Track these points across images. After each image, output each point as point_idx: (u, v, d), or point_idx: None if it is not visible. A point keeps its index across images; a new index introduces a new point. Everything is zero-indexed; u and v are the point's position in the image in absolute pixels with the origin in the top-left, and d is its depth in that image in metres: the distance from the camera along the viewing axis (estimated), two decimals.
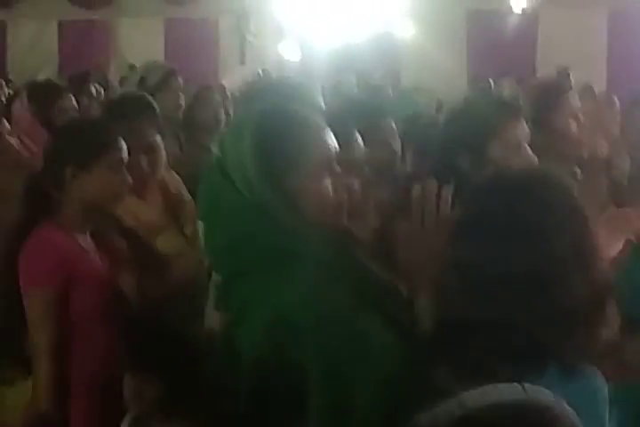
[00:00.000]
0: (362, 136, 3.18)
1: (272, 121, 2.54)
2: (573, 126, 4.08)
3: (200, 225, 2.99)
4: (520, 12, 12.98)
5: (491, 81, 10.62)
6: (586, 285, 2.05)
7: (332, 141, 2.54)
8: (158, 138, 4.30)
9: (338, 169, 2.54)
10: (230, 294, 2.45)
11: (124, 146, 3.73)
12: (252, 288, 2.31)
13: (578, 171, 3.99)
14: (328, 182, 2.49)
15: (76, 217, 3.52)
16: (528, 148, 3.62)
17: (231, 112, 6.34)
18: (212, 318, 3.25)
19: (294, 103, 2.85)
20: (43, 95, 5.62)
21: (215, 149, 3.24)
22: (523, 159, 3.43)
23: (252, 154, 2.45)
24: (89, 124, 4.11)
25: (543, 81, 6.66)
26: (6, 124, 5.66)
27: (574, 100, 4.32)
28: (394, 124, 3.92)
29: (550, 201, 2.21)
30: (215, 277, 2.81)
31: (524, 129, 3.46)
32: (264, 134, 2.47)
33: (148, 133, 4.28)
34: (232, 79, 7.96)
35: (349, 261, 2.62)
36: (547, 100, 4.26)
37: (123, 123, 4.11)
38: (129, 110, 4.40)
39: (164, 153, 4.27)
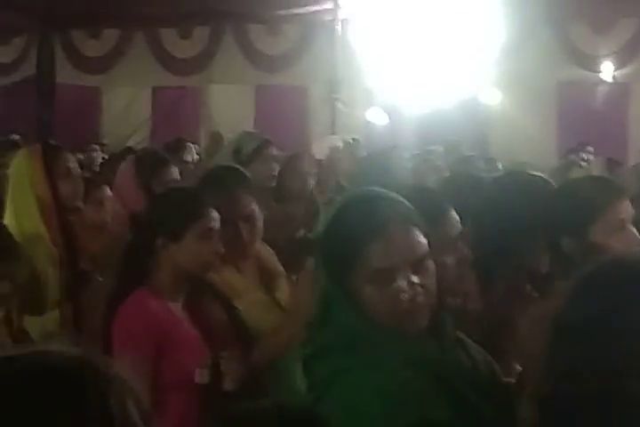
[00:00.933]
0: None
1: (347, 213, 2.54)
2: None
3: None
4: (611, 82, 12.72)
5: (583, 155, 10.15)
6: None
7: (414, 240, 2.48)
8: (256, 207, 4.28)
9: (412, 278, 2.45)
10: (314, 371, 2.41)
11: (216, 215, 3.77)
12: (334, 368, 2.31)
13: None
14: (401, 284, 2.43)
15: (168, 285, 3.56)
16: (634, 229, 3.47)
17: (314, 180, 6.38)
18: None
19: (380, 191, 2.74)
20: (149, 165, 5.61)
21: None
22: (627, 241, 3.27)
23: (320, 244, 2.56)
24: (181, 194, 4.15)
25: None
26: (108, 191, 5.67)
27: None
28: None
29: None
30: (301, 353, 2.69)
31: (628, 209, 3.28)
32: (331, 227, 2.54)
33: (246, 203, 4.26)
34: (321, 147, 7.99)
35: (429, 354, 2.55)
36: None
37: (220, 193, 4.14)
38: (226, 181, 4.38)
39: (261, 223, 4.25)
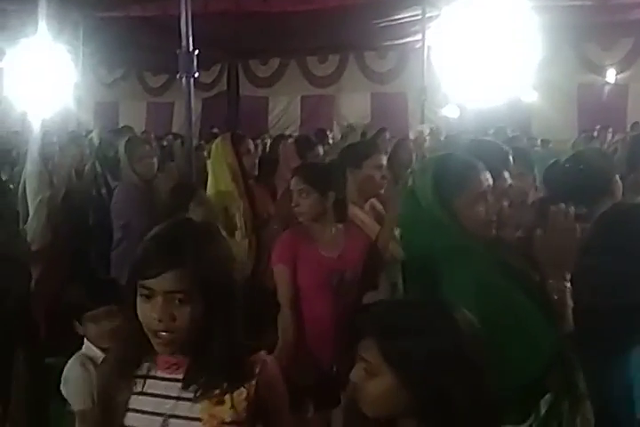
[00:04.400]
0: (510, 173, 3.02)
1: (444, 164, 2.51)
2: None
3: (400, 230, 2.78)
4: (614, 83, 12.56)
5: (595, 133, 9.91)
6: None
7: (487, 179, 2.47)
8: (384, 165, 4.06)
9: (490, 199, 2.45)
10: (421, 273, 2.31)
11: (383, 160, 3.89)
12: (439, 270, 2.20)
13: None
14: (483, 206, 2.41)
15: (315, 225, 3.37)
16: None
17: (416, 154, 6.43)
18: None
19: (461, 154, 2.73)
20: (304, 144, 5.65)
21: (409, 182, 2.96)
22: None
23: (430, 186, 2.44)
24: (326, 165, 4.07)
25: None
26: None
27: None
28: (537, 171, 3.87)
29: None
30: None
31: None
32: (439, 173, 2.45)
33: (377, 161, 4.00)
34: (416, 132, 8.13)
35: (499, 257, 2.46)
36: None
37: (353, 162, 3.93)
38: (360, 152, 4.07)
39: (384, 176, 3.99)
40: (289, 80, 14.70)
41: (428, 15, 8.58)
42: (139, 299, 1.67)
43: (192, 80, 4.62)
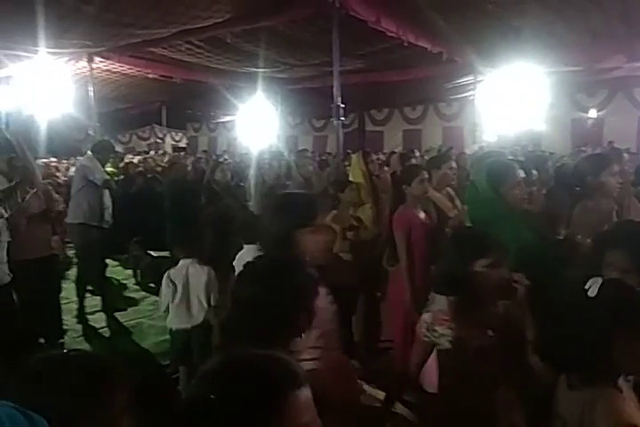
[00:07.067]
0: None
1: (492, 165, 2.40)
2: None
3: (466, 205, 2.70)
4: (595, 117, 11.77)
5: (583, 148, 9.48)
6: None
7: (521, 173, 2.34)
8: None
9: (523, 185, 2.34)
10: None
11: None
12: (491, 231, 1.89)
13: None
14: (518, 190, 2.30)
15: (415, 203, 3.16)
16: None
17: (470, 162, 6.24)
18: None
19: (504, 158, 2.78)
20: (404, 157, 5.71)
21: (470, 177, 3.09)
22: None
23: (485, 179, 2.33)
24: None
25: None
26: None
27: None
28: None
29: None
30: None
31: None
32: (489, 170, 2.36)
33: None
34: (470, 149, 7.99)
35: (528, 222, 2.30)
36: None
37: (436, 165, 3.72)
38: (440, 160, 3.88)
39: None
40: (395, 121, 14.48)
41: (478, 79, 8.44)
42: None
43: (340, 122, 4.80)
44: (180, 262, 3.21)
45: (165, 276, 3.20)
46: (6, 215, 3.25)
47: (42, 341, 3.47)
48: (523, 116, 7.59)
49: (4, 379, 0.91)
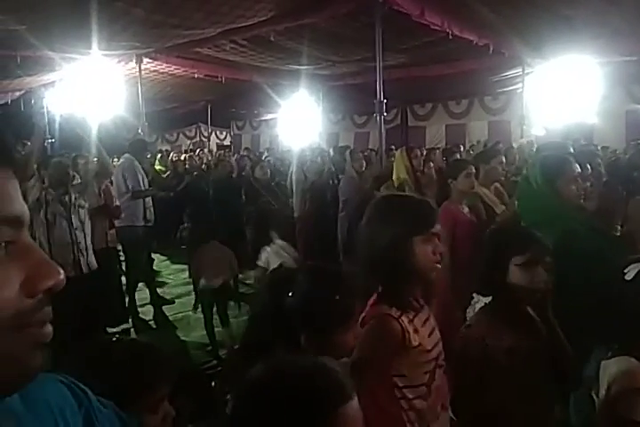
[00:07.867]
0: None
1: (547, 159, 2.36)
2: None
3: (518, 202, 2.60)
4: None
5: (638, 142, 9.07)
6: None
7: (577, 168, 2.29)
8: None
9: (580, 181, 2.29)
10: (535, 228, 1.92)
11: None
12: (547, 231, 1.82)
13: None
14: (575, 185, 2.24)
15: (460, 198, 3.13)
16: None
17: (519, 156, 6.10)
18: None
19: (559, 153, 2.68)
20: (447, 152, 5.62)
21: (524, 171, 2.94)
22: None
23: (539, 173, 2.28)
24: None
25: None
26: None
27: None
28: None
29: None
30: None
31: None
32: (544, 164, 2.31)
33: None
34: (518, 142, 7.79)
35: (584, 217, 2.26)
36: None
37: (485, 160, 3.64)
38: (489, 155, 3.79)
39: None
40: (438, 115, 14.17)
41: (526, 72, 8.24)
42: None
43: (382, 118, 4.81)
44: None
45: None
46: (86, 206, 3.54)
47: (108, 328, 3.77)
48: (573, 108, 7.33)
49: (68, 361, 0.98)
